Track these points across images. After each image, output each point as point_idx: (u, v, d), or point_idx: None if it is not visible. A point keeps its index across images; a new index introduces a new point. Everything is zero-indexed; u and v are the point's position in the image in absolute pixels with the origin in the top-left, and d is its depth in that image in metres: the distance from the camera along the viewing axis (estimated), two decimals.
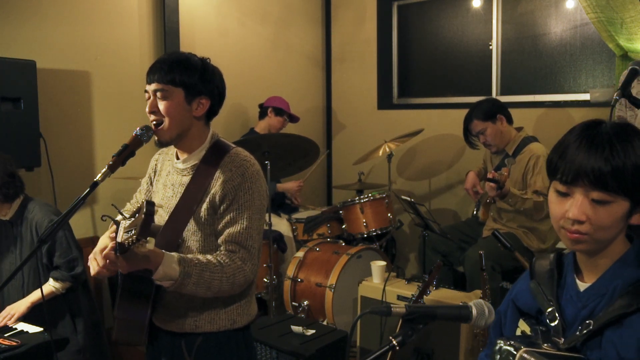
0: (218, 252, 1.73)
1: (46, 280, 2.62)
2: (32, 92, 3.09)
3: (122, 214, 1.67)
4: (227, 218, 1.72)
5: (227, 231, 1.72)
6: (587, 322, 1.16)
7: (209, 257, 1.69)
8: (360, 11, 5.09)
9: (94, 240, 3.37)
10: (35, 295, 2.58)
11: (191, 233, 1.77)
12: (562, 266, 1.31)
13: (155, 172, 1.96)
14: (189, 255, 1.68)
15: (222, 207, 1.73)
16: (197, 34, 4.23)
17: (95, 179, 1.61)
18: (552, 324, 1.22)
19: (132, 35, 3.83)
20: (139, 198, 2.02)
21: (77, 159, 3.61)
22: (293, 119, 4.41)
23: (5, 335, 2.35)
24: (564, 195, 1.17)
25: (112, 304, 3.80)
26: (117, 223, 1.65)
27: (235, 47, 4.50)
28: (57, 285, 2.60)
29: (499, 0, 4.40)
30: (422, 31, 4.91)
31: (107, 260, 1.55)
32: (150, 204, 1.47)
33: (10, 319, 2.51)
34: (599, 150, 1.12)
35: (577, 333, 1.17)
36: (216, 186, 1.73)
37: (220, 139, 1.86)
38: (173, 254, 1.63)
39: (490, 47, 4.47)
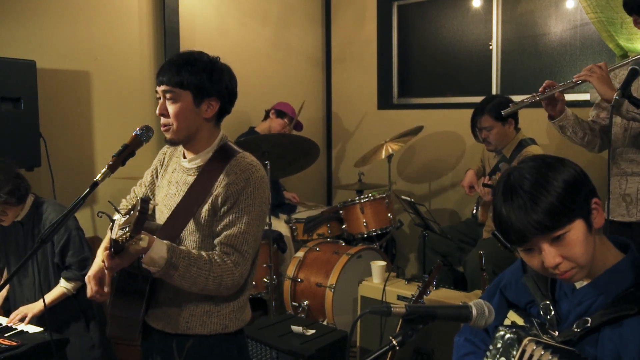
0: (213, 251, 1.73)
1: (57, 279, 2.64)
2: (32, 92, 3.08)
3: (118, 212, 1.66)
4: (226, 220, 1.72)
5: (224, 233, 1.72)
6: (585, 319, 1.19)
7: (202, 253, 1.68)
8: (360, 11, 5.09)
9: (94, 240, 3.37)
10: (49, 296, 2.60)
11: (189, 233, 1.77)
12: None
13: (162, 165, 1.95)
14: (182, 247, 1.68)
15: (222, 210, 1.72)
16: (197, 34, 4.23)
17: (95, 179, 1.61)
18: (547, 317, 1.26)
19: (132, 35, 3.83)
20: (137, 192, 2.01)
21: (77, 159, 3.61)
22: (297, 126, 4.44)
23: (6, 335, 2.35)
24: (530, 251, 1.23)
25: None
26: (113, 221, 1.64)
27: (235, 48, 4.50)
28: (69, 285, 2.62)
29: (499, 0, 4.40)
30: (422, 31, 4.91)
31: (105, 264, 1.55)
32: (144, 202, 1.45)
33: (22, 319, 2.51)
34: (523, 205, 1.18)
35: (575, 329, 1.20)
36: (219, 188, 1.72)
37: (228, 142, 1.85)
38: (165, 242, 1.62)
39: (490, 47, 4.47)
